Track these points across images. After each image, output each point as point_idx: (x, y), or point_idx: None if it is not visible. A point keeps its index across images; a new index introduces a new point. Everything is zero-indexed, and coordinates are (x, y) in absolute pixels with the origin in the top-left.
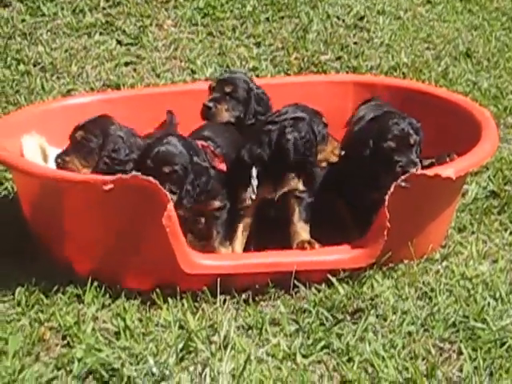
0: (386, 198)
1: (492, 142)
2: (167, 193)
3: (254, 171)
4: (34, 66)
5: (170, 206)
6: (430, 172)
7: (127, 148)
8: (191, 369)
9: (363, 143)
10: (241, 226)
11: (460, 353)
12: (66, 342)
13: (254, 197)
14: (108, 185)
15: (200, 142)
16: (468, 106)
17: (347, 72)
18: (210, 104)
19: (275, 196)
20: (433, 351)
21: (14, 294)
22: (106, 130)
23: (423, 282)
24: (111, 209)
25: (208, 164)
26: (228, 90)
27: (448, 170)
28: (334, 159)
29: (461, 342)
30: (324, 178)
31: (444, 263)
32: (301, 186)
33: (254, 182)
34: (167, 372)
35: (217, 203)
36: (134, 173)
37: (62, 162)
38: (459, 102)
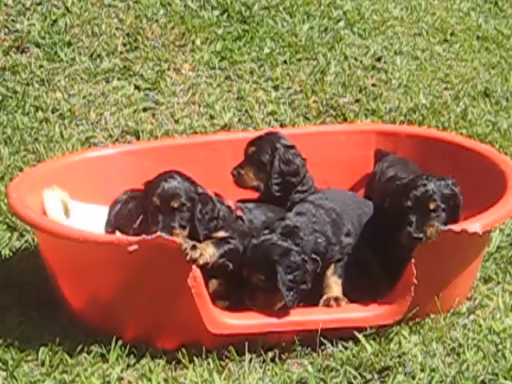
0: (413, 254)
1: None
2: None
3: None
4: (53, 112)
5: (195, 266)
6: (456, 228)
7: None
8: None
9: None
10: None
11: None
12: None
13: None
14: (133, 245)
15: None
16: (491, 155)
17: (366, 115)
18: (234, 172)
19: None
20: None
21: (37, 354)
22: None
23: (451, 338)
24: (136, 269)
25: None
26: (251, 152)
27: (475, 226)
28: None
29: None
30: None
31: (471, 317)
32: None
33: None
34: None
35: (221, 233)
36: (158, 233)
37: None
38: (482, 151)
